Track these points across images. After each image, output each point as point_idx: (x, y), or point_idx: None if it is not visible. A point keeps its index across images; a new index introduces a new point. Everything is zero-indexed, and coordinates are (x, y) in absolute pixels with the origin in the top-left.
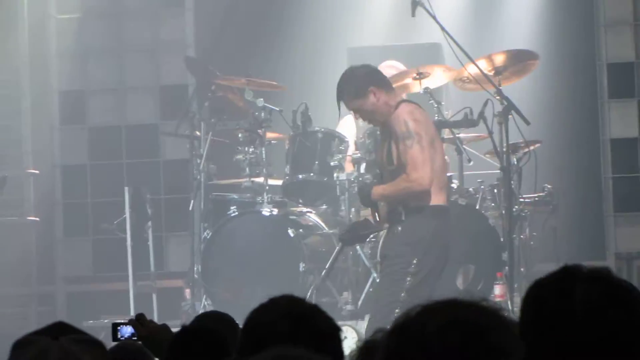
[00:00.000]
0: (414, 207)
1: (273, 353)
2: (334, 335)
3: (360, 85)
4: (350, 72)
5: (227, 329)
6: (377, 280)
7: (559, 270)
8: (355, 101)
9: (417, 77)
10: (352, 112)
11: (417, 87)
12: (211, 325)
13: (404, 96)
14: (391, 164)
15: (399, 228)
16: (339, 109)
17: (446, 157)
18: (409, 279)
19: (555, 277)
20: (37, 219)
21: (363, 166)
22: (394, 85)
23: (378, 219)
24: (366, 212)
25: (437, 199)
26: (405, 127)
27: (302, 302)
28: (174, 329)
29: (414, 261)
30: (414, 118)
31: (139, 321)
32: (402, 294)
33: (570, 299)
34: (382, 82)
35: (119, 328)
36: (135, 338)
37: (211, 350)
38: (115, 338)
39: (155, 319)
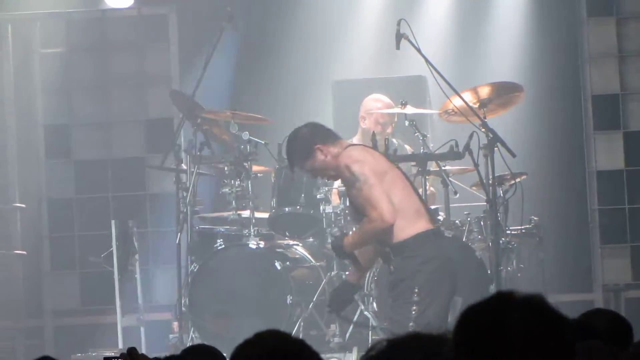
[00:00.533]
0: (397, 243)
1: None
2: None
3: (305, 146)
4: (294, 136)
5: None
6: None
7: (492, 297)
8: (306, 163)
9: (402, 105)
10: (308, 173)
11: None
12: (195, 358)
13: (389, 130)
14: (358, 211)
15: (392, 267)
16: (292, 172)
17: (432, 188)
18: (414, 308)
19: (489, 303)
20: (24, 252)
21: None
22: (381, 120)
23: (358, 270)
24: None
25: (415, 228)
26: (349, 173)
27: (288, 338)
28: None
29: (416, 290)
30: (354, 160)
31: (130, 355)
32: (411, 324)
33: (504, 326)
34: (326, 137)
35: None
36: None
37: None
38: None
39: (144, 352)
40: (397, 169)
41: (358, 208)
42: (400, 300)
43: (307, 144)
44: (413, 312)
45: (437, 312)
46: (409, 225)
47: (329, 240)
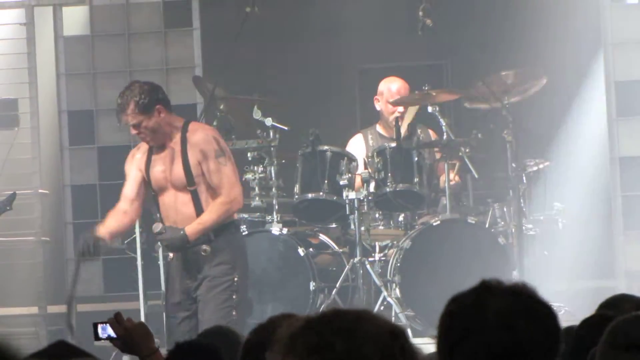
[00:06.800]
0: (220, 226)
1: None
2: None
3: (148, 100)
4: (138, 87)
5: (226, 344)
6: (201, 304)
7: (476, 286)
8: (139, 116)
9: (425, 93)
10: (131, 126)
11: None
12: (206, 340)
13: (402, 111)
14: (192, 184)
15: (208, 249)
16: (119, 122)
17: (457, 177)
18: (234, 296)
19: (472, 292)
20: (47, 238)
21: (372, 185)
22: (391, 100)
23: (116, 233)
24: (376, 232)
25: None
26: (217, 145)
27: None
28: None
29: (236, 279)
30: (219, 135)
31: (116, 320)
32: (234, 313)
33: (484, 311)
34: (167, 102)
35: (99, 327)
36: (114, 336)
37: None
38: (97, 337)
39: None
40: None
41: (195, 182)
42: (221, 287)
43: (150, 100)
44: (234, 300)
45: (246, 298)
46: None
47: (162, 241)
